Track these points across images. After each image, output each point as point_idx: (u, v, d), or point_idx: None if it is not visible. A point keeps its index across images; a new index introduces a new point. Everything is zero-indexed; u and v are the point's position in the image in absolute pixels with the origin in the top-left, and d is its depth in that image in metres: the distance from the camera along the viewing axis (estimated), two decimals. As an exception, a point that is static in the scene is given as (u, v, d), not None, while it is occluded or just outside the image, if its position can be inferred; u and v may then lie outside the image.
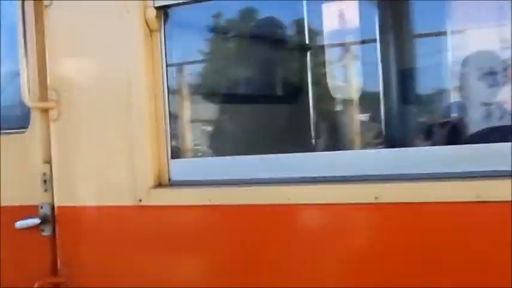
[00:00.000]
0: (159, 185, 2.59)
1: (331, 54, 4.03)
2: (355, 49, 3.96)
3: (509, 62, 2.92)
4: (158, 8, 2.58)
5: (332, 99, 3.97)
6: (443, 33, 3.62)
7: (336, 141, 3.94)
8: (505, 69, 2.91)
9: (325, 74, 3.96)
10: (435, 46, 3.78)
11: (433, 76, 3.77)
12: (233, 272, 2.45)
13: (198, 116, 3.37)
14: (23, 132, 2.88)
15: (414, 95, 3.87)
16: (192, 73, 3.56)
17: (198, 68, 3.74)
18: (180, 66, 3.11)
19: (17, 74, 2.82)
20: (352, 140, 3.90)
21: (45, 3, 2.80)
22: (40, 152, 2.83)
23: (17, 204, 2.89)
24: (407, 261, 2.12)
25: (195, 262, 2.56)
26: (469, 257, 2.04)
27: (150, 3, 2.58)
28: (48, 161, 2.81)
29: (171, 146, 2.62)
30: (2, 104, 3.07)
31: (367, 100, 3.91)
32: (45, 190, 2.81)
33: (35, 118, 2.84)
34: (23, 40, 2.77)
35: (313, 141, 3.95)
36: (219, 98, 3.66)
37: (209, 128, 3.58)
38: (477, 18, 3.21)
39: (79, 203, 2.75)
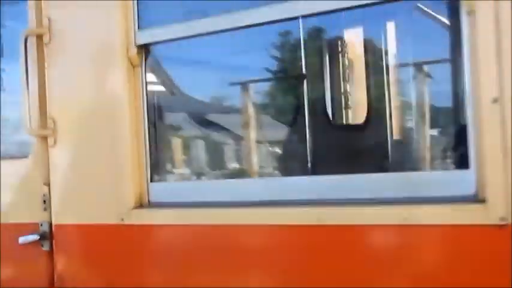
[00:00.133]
0: (140, 206, 2.86)
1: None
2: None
3: None
4: (139, 47, 2.87)
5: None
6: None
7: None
8: None
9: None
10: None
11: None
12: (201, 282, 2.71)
13: (174, 143, 3.66)
14: (26, 157, 3.21)
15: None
16: (170, 104, 3.86)
17: (175, 98, 4.04)
18: (159, 97, 3.37)
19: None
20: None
21: (45, 41, 3.12)
22: (40, 175, 3.14)
23: (21, 222, 3.21)
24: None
25: (171, 275, 2.81)
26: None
27: (132, 41, 2.87)
28: (48, 184, 3.12)
29: (150, 171, 2.90)
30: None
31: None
32: (45, 209, 3.12)
33: (36, 145, 3.16)
34: (25, 74, 3.10)
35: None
36: (193, 127, 3.95)
37: (184, 155, 3.86)
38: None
39: (72, 222, 3.05)
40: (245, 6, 2.62)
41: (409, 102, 3.70)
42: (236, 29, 2.70)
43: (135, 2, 2.86)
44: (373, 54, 3.92)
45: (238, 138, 3.87)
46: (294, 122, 4.00)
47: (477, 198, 2.09)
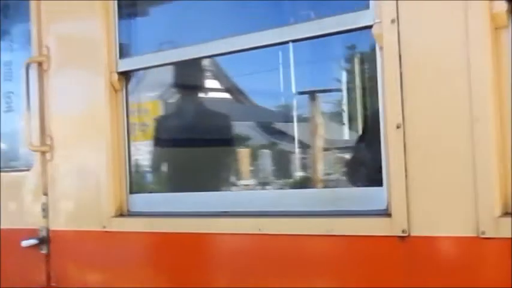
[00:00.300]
0: (120, 214, 3.23)
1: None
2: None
3: None
4: (120, 73, 3.24)
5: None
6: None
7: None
8: None
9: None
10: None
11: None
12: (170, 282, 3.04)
13: (152, 159, 4.04)
14: (29, 170, 3.63)
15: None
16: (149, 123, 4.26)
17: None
18: (139, 117, 3.74)
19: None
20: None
21: (44, 68, 3.53)
22: (40, 186, 3.55)
23: (23, 227, 3.62)
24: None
25: (146, 276, 3.16)
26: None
27: (114, 69, 3.24)
28: (46, 193, 3.52)
29: (130, 183, 3.26)
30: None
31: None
32: (44, 216, 3.52)
33: (37, 159, 3.57)
34: (26, 97, 3.52)
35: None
36: (169, 144, 4.31)
37: (161, 169, 4.23)
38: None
39: (64, 228, 3.44)
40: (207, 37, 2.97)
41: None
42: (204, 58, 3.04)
43: (117, 35, 3.24)
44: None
45: (208, 155, 4.22)
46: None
47: (386, 212, 2.37)
